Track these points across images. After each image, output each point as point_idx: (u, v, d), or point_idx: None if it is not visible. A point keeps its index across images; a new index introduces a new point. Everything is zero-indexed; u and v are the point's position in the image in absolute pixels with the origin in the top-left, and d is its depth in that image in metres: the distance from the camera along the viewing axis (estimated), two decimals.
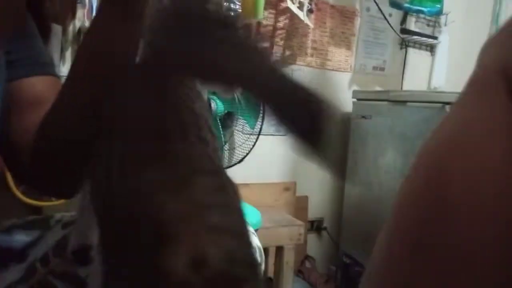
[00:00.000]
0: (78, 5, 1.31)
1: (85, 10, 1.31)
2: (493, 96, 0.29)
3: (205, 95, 1.47)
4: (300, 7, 1.74)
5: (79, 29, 1.36)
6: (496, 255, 0.27)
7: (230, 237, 0.36)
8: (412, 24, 2.21)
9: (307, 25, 1.82)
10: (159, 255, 0.33)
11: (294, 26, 1.90)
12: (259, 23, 1.81)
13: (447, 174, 0.30)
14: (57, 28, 1.16)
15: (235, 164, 1.56)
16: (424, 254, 0.29)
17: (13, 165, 0.66)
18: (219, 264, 0.33)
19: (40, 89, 0.63)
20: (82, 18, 1.32)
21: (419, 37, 2.17)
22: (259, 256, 0.74)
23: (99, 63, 0.54)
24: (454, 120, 0.31)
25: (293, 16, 1.80)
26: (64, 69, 1.44)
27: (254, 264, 0.37)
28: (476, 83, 0.31)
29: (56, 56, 1.23)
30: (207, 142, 0.44)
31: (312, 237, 2.10)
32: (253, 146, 1.53)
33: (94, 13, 1.35)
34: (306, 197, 2.03)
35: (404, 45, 2.20)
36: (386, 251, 0.33)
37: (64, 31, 1.31)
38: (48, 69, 0.67)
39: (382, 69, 2.19)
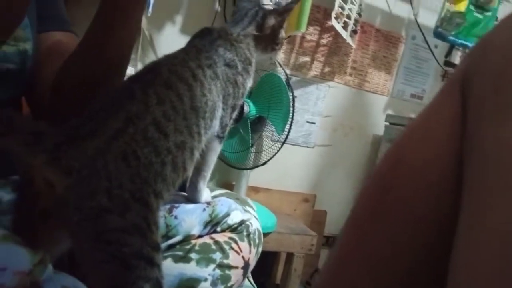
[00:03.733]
0: None
1: None
2: (451, 94, 0.35)
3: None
4: (345, 27, 1.79)
5: None
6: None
7: None
8: (457, 58, 2.20)
9: (349, 45, 1.87)
10: None
11: (337, 44, 1.95)
12: (302, 37, 1.88)
13: (401, 157, 0.36)
14: None
15: (258, 166, 1.63)
16: (379, 218, 0.36)
17: (36, 110, 0.76)
18: None
19: (64, 42, 0.72)
20: None
21: None
22: (258, 238, 0.80)
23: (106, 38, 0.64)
24: (419, 114, 0.38)
25: (337, 35, 1.86)
26: None
27: None
28: (443, 86, 0.37)
29: None
30: None
31: (325, 252, 2.12)
32: (277, 152, 1.58)
33: (150, 9, 1.47)
34: (324, 212, 2.06)
35: (446, 77, 2.20)
36: (350, 217, 0.39)
37: None
38: (69, 26, 0.77)
39: (421, 97, 2.20)
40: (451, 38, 1.85)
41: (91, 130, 0.54)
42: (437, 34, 1.87)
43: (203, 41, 0.76)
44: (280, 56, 1.86)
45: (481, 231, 0.26)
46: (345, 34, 1.80)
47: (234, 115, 0.80)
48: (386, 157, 0.39)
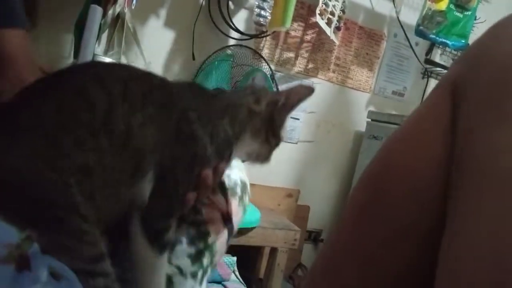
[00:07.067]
0: None
1: None
2: (441, 102, 0.35)
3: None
4: (328, 23, 1.81)
5: (118, 14, 1.46)
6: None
7: None
8: (437, 56, 2.25)
9: (332, 41, 1.89)
10: None
11: (321, 41, 1.97)
12: (286, 33, 1.89)
13: (391, 161, 0.37)
14: (97, 10, 1.25)
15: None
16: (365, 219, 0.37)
17: None
18: None
19: (14, 44, 0.64)
20: (122, 4, 1.42)
21: (442, 69, 2.21)
22: (241, 190, 0.76)
23: None
24: (409, 118, 0.38)
25: (321, 31, 1.87)
26: (98, 50, 1.55)
27: None
28: (433, 89, 0.38)
29: (93, 36, 1.33)
30: None
31: (308, 247, 2.14)
32: None
33: (134, 1, 1.45)
34: (307, 207, 2.07)
35: (426, 75, 2.24)
36: (343, 216, 0.40)
37: (104, 14, 1.40)
38: (22, 23, 0.66)
39: (402, 95, 2.24)
40: (432, 36, 1.89)
41: None
42: (419, 32, 1.90)
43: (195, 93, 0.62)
44: (265, 51, 1.87)
45: (467, 237, 0.26)
46: (328, 31, 1.81)
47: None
48: (377, 159, 0.39)
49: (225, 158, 0.62)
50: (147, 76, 0.58)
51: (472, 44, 0.36)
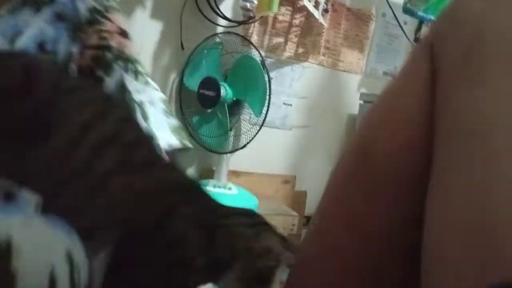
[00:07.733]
0: None
1: None
2: (420, 61, 0.36)
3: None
4: (316, 6, 1.79)
5: None
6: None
7: None
8: None
9: (321, 24, 1.87)
10: None
11: (309, 24, 1.95)
12: (274, 18, 1.87)
13: (373, 125, 0.38)
14: None
15: (238, 149, 1.62)
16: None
17: None
18: None
19: None
20: None
21: None
22: None
23: None
24: (389, 83, 0.39)
25: (309, 15, 1.86)
26: None
27: None
28: (412, 54, 0.38)
29: None
30: None
31: None
32: (256, 134, 1.58)
33: None
34: (304, 192, 2.08)
35: None
36: (332, 177, 0.41)
37: None
38: None
39: (393, 75, 2.23)
40: (420, 14, 1.87)
41: None
42: (406, 10, 1.89)
43: None
44: (254, 37, 1.85)
45: (447, 187, 0.28)
46: (316, 13, 1.80)
47: None
48: (365, 122, 0.40)
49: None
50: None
51: (446, 7, 0.36)
